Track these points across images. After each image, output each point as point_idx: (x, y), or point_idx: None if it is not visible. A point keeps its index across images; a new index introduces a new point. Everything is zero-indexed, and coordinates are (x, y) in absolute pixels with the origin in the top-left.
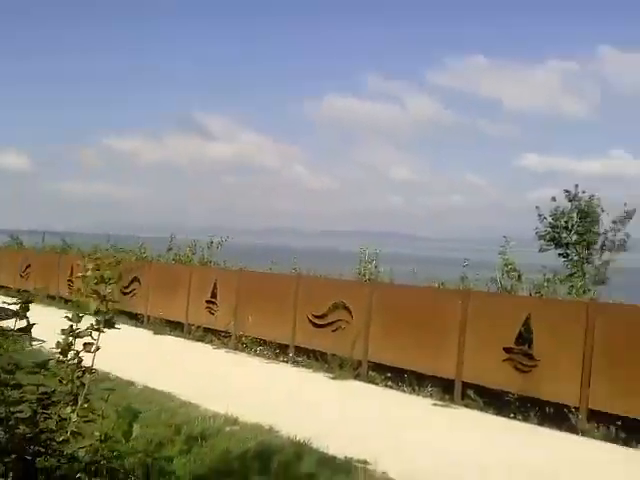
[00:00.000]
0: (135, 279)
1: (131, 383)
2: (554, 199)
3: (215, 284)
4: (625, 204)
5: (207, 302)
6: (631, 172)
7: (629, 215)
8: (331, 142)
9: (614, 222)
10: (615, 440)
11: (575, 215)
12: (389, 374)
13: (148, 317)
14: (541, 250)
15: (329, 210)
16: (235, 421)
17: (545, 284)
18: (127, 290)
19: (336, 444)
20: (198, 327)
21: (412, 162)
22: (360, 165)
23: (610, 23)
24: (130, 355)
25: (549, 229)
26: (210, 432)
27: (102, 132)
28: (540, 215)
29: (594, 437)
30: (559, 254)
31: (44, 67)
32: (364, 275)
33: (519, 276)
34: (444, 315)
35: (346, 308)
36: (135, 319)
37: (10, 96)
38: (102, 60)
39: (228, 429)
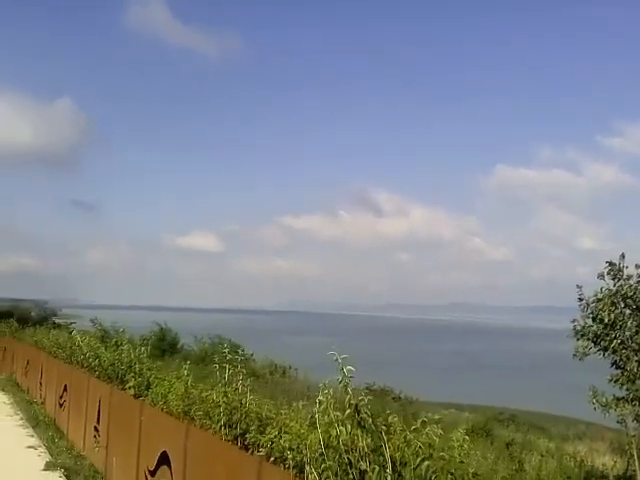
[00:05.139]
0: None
1: None
2: (602, 277)
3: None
4: None
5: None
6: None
7: None
8: (505, 212)
9: None
10: None
11: (620, 303)
12: None
13: None
14: (576, 354)
15: (510, 283)
16: None
17: None
18: None
19: None
20: None
21: (595, 231)
22: (539, 235)
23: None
24: None
25: (590, 322)
26: None
27: (281, 211)
28: (581, 300)
29: None
30: (612, 363)
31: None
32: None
33: None
34: None
35: (168, 462)
36: None
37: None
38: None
39: None
